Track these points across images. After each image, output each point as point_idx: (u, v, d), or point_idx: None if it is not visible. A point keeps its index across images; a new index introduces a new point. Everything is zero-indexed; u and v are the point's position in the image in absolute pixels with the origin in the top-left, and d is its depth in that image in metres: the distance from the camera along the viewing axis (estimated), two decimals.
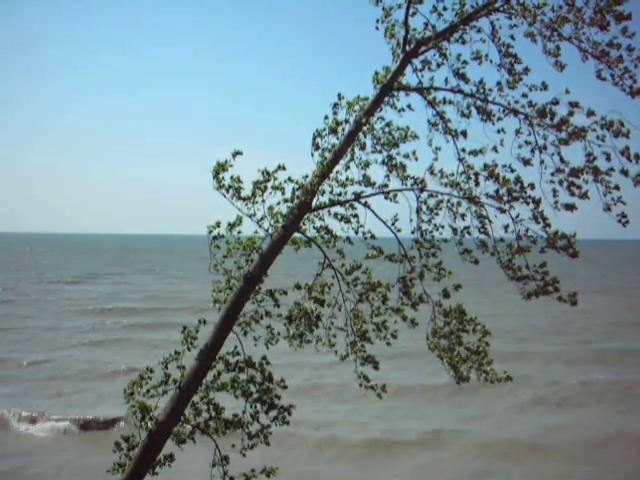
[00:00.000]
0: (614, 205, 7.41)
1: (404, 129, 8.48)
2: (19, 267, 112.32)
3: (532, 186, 7.82)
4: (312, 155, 8.45)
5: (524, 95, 7.95)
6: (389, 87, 8.32)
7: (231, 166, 8.22)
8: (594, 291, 75.04)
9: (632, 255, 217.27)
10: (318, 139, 8.44)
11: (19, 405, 27.08)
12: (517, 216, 7.93)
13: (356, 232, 8.54)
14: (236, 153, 8.20)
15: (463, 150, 8.27)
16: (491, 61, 8.20)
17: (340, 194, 8.47)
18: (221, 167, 8.21)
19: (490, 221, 8.08)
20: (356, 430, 25.20)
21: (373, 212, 8.47)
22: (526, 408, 28.52)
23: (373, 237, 8.55)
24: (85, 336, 44.69)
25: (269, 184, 8.30)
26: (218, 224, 8.29)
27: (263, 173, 8.31)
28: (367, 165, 8.53)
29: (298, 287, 8.73)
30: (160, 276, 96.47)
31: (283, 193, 8.33)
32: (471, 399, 28.71)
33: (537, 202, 7.79)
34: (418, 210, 8.39)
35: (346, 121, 8.38)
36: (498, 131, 8.05)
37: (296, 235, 8.49)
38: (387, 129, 8.50)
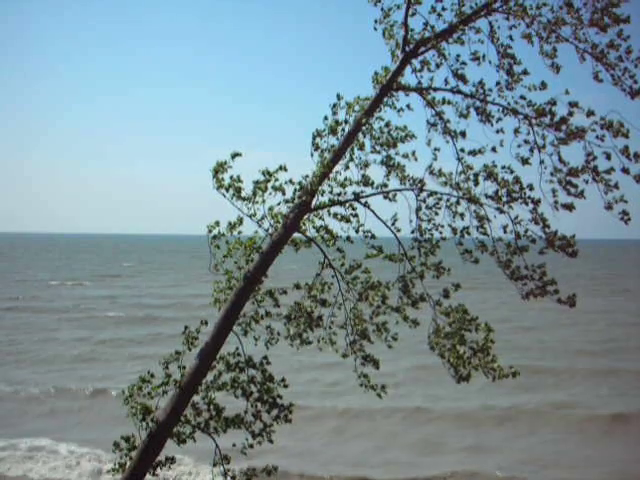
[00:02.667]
0: (615, 203, 7.45)
1: (402, 129, 8.51)
2: (21, 268, 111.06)
3: (531, 187, 7.85)
4: (312, 155, 8.48)
5: (522, 97, 8.00)
6: (388, 87, 8.35)
7: (230, 167, 8.23)
8: (612, 293, 74.08)
9: (635, 255, 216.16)
10: (318, 139, 8.47)
11: None
12: (516, 217, 7.97)
13: (356, 231, 8.56)
14: (235, 155, 8.22)
15: (462, 150, 8.31)
16: (490, 62, 8.24)
17: (340, 194, 8.50)
18: (220, 167, 8.24)
19: (489, 220, 8.11)
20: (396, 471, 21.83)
21: (373, 212, 8.49)
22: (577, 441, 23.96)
23: (373, 237, 8.57)
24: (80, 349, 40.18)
25: (269, 184, 8.32)
26: (217, 223, 8.31)
27: (264, 173, 8.33)
28: (366, 165, 8.56)
29: (298, 287, 8.76)
30: (163, 278, 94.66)
31: (283, 193, 8.35)
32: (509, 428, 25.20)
33: (536, 202, 7.83)
34: (417, 210, 8.42)
35: (346, 121, 8.41)
36: (497, 131, 8.10)
37: (296, 235, 8.51)
38: (386, 129, 8.53)
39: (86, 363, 36.80)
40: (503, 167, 7.99)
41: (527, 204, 7.89)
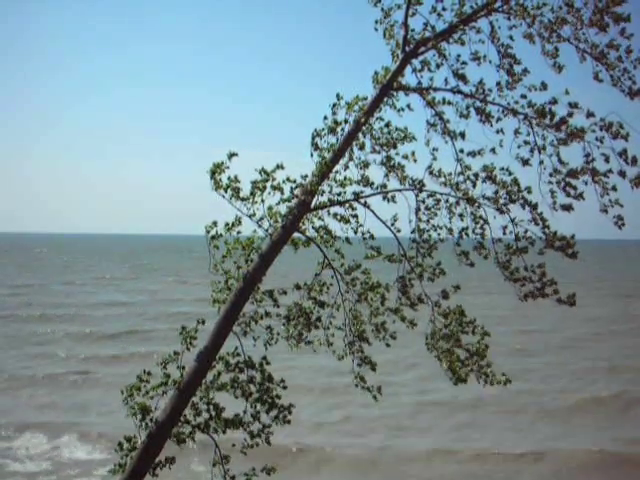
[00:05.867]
0: (611, 207, 7.43)
1: (402, 130, 8.51)
2: (21, 270, 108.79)
3: (529, 190, 7.84)
4: (312, 155, 8.47)
5: (523, 96, 7.99)
6: (389, 87, 8.33)
7: (227, 168, 8.21)
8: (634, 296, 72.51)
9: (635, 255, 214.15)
10: (317, 139, 8.46)
11: None
12: (514, 218, 7.95)
13: (355, 232, 8.55)
14: (231, 155, 8.18)
15: (461, 151, 8.30)
16: (490, 62, 8.23)
17: (339, 194, 8.49)
18: (217, 168, 8.21)
19: (487, 223, 8.10)
20: None
21: (373, 212, 8.48)
22: None
23: (372, 237, 8.56)
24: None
25: (268, 184, 8.31)
26: (215, 223, 8.30)
27: (261, 172, 8.32)
28: (366, 165, 8.55)
29: (298, 287, 8.75)
30: (167, 279, 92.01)
31: (282, 193, 8.35)
32: None
33: (534, 206, 7.82)
34: (417, 210, 8.41)
35: (345, 121, 8.40)
36: (497, 131, 8.08)
37: (296, 235, 8.51)
38: (386, 129, 8.53)
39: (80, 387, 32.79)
40: (502, 169, 7.98)
41: (524, 208, 7.89)
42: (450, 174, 8.31)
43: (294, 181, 8.35)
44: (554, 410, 28.63)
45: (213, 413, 8.48)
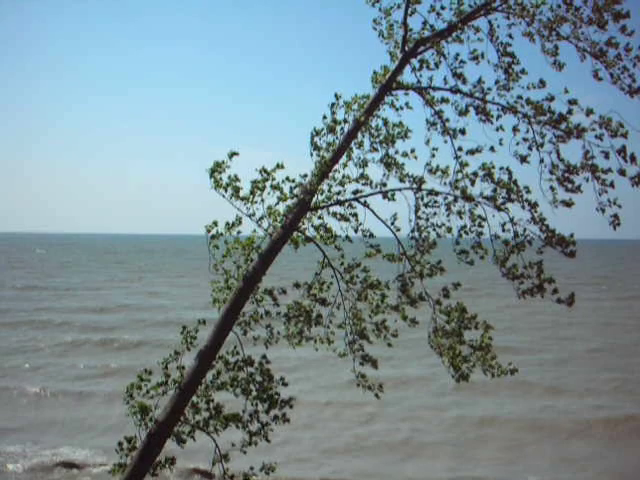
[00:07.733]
0: (609, 206, 7.43)
1: (399, 124, 8.52)
2: (21, 272, 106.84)
3: (528, 189, 7.84)
4: (311, 155, 8.48)
5: (520, 97, 8.00)
6: (388, 87, 8.35)
7: (228, 167, 8.22)
8: None
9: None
10: (316, 138, 8.47)
11: None
12: (513, 218, 7.95)
13: (355, 231, 8.57)
14: (232, 154, 8.20)
15: (460, 149, 8.30)
16: (488, 61, 8.24)
17: (339, 193, 8.50)
18: (218, 167, 8.22)
19: (485, 220, 8.10)
20: None
21: (372, 212, 8.49)
22: None
23: (372, 236, 8.57)
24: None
25: (267, 183, 8.32)
26: (215, 223, 8.32)
27: (261, 172, 8.33)
28: (365, 164, 8.56)
29: (297, 286, 8.77)
30: (175, 282, 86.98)
31: (282, 192, 8.35)
32: None
33: (533, 205, 7.82)
34: (416, 209, 8.41)
35: (345, 121, 8.41)
36: (497, 129, 8.08)
37: (296, 234, 8.51)
38: (383, 127, 8.54)
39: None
40: (501, 168, 7.98)
41: (524, 208, 7.88)
42: (448, 167, 8.31)
43: (293, 180, 8.36)
44: (598, 432, 25.06)
45: (213, 412, 8.49)
